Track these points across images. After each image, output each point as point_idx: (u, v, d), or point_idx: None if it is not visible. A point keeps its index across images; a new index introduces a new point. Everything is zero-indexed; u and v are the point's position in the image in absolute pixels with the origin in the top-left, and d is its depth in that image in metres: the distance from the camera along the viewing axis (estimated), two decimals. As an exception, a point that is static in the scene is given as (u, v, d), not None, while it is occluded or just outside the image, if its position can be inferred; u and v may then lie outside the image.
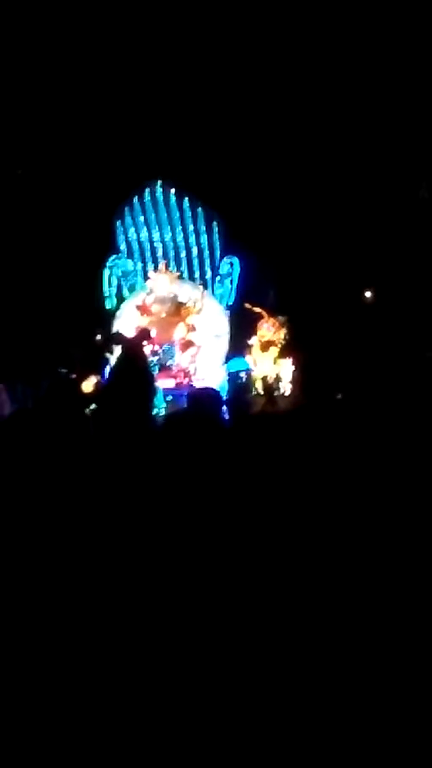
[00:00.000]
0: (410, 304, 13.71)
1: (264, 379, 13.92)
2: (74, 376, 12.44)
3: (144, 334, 11.48)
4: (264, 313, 14.61)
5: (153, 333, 12.21)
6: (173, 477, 3.87)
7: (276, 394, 13.47)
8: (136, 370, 9.59)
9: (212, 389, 7.31)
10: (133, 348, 10.35)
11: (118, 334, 11.28)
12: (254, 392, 13.78)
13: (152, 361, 11.76)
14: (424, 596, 3.16)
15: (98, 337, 14.36)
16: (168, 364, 13.60)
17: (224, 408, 6.86)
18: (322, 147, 14.48)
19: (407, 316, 13.45)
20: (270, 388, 13.59)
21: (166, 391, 12.75)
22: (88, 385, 11.52)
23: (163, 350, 13.61)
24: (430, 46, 13.28)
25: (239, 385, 13.76)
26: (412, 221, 14.04)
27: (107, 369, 13.41)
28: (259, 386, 13.82)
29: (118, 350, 12.15)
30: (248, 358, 14.40)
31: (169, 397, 12.37)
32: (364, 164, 14.36)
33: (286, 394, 13.81)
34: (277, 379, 14.00)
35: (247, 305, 14.58)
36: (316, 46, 14.08)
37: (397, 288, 14.30)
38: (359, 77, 14.12)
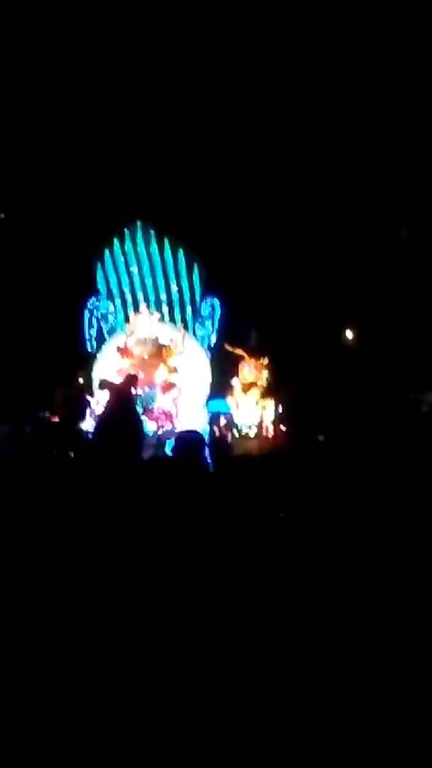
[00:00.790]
0: (392, 344, 13.76)
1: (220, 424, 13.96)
2: (56, 419, 12.39)
3: (132, 380, 11.51)
4: (245, 355, 14.63)
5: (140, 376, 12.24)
6: (159, 518, 3.88)
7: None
8: (126, 417, 9.60)
9: (196, 432, 7.29)
10: (122, 394, 10.36)
11: (106, 381, 11.26)
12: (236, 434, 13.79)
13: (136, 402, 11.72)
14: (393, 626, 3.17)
15: (80, 379, 14.31)
16: (150, 406, 13.54)
17: (207, 450, 6.84)
18: (303, 190, 14.60)
19: (389, 357, 13.50)
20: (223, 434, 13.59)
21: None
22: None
23: (145, 392, 13.56)
24: (408, 85, 13.44)
25: (220, 428, 13.75)
26: (392, 262, 14.14)
27: (88, 412, 13.45)
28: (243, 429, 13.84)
29: (99, 394, 12.14)
30: (230, 400, 14.38)
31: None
32: (346, 206, 14.47)
33: (270, 435, 13.81)
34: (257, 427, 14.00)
35: (228, 347, 14.59)
36: (291, 85, 14.21)
37: (379, 328, 14.36)
38: (338, 117, 14.25)
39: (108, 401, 10.60)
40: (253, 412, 14.25)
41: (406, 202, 14.32)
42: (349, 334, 14.99)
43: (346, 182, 14.50)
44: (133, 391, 11.48)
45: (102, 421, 10.34)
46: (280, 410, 14.26)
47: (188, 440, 6.36)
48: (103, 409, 10.81)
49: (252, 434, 13.92)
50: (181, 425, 12.82)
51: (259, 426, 14.08)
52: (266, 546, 3.74)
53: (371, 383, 12.98)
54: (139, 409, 12.17)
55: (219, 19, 14.05)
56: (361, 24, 13.71)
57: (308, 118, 14.41)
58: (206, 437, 10.88)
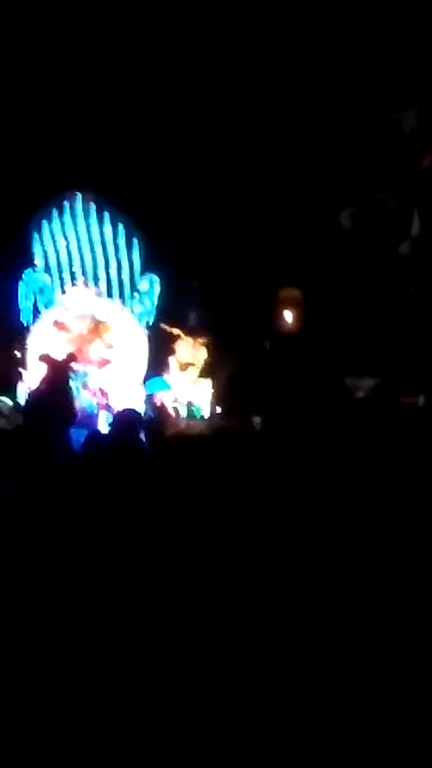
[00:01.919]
0: (333, 329, 13.80)
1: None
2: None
3: (70, 357, 11.51)
4: (182, 334, 14.53)
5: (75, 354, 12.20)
6: (94, 495, 3.89)
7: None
8: (59, 392, 9.64)
9: (132, 410, 7.26)
10: (58, 370, 10.42)
11: (47, 355, 11.20)
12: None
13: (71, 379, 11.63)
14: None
15: (16, 352, 14.11)
16: (85, 382, 13.40)
17: (143, 428, 6.78)
18: (246, 169, 14.50)
19: (327, 341, 13.53)
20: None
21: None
22: None
23: (84, 369, 13.41)
24: (352, 73, 13.40)
25: (156, 406, 13.65)
26: (334, 249, 14.13)
27: (22, 385, 13.28)
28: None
29: (37, 366, 12.04)
30: (166, 378, 14.28)
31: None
32: (288, 189, 14.42)
33: (206, 415, 13.77)
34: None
35: (163, 325, 14.47)
36: (238, 62, 14.06)
37: (318, 313, 14.38)
38: (281, 99, 14.15)
39: (44, 375, 10.60)
40: (189, 391, 14.18)
41: (349, 186, 14.31)
42: (288, 317, 14.96)
43: (289, 167, 14.41)
44: (72, 367, 11.47)
45: (35, 394, 10.37)
46: (218, 390, 14.21)
47: (124, 418, 6.32)
48: (38, 382, 10.81)
49: (189, 414, 13.86)
50: (119, 403, 12.75)
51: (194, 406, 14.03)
52: (204, 525, 3.74)
53: (309, 367, 12.99)
54: (77, 386, 12.18)
55: None
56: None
57: (250, 94, 14.28)
58: (144, 416, 10.91)
